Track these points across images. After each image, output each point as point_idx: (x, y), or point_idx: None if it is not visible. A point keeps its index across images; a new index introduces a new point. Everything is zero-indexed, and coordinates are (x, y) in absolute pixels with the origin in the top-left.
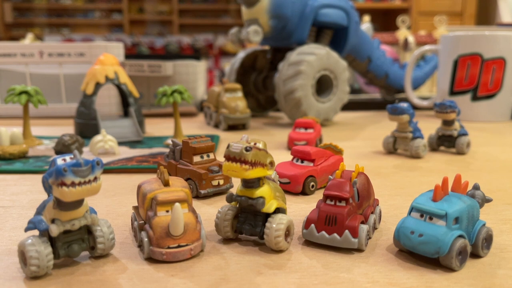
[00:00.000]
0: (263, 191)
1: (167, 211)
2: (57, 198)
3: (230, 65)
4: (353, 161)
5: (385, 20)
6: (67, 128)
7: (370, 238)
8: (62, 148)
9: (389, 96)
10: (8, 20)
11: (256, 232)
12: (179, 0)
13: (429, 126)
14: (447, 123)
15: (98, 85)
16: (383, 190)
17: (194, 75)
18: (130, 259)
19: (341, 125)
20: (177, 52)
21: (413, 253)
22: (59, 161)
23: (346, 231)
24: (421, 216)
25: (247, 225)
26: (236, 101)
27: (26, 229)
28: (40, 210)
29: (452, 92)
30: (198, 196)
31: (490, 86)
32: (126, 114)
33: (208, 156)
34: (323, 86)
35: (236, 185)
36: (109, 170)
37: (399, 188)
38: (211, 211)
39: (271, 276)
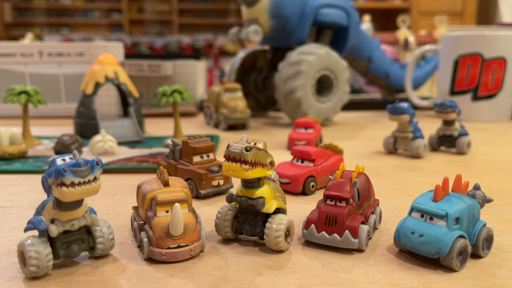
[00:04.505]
0: (263, 191)
1: (167, 212)
2: (56, 198)
3: (230, 65)
4: (353, 161)
5: (385, 20)
6: (67, 128)
7: (370, 238)
8: (61, 148)
9: (389, 96)
10: (7, 20)
11: (256, 233)
12: None
13: (430, 126)
14: (448, 123)
15: (97, 85)
16: (384, 190)
17: (194, 75)
18: (130, 260)
19: (341, 125)
20: (177, 52)
21: (413, 253)
22: (59, 161)
23: (347, 231)
24: (422, 216)
25: (247, 225)
26: (236, 101)
27: (26, 229)
28: (39, 210)
29: (453, 92)
30: (198, 196)
31: (490, 86)
32: (125, 114)
33: (208, 156)
34: (323, 86)
35: (236, 185)
36: (108, 170)
37: (400, 188)
38: (211, 211)
39: (271, 276)
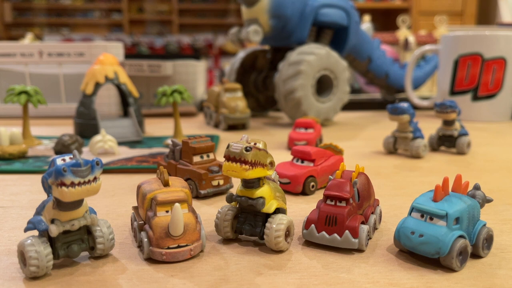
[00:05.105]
0: (263, 191)
1: (167, 212)
2: (56, 198)
3: (230, 65)
4: (353, 161)
5: (385, 20)
6: (67, 128)
7: (370, 238)
8: (61, 148)
9: (389, 96)
10: (7, 20)
11: (256, 233)
12: None
13: (430, 126)
14: (448, 123)
15: (97, 85)
16: (384, 190)
17: (194, 75)
18: (130, 260)
19: (341, 125)
20: (177, 52)
21: (413, 253)
22: (59, 161)
23: (347, 231)
24: (422, 216)
25: (247, 225)
26: (236, 101)
27: (26, 229)
28: (39, 210)
29: (453, 92)
30: (198, 196)
31: (490, 86)
32: (125, 114)
33: (208, 156)
34: (323, 86)
35: (236, 185)
36: (108, 170)
37: (400, 188)
38: (211, 211)
39: (271, 276)
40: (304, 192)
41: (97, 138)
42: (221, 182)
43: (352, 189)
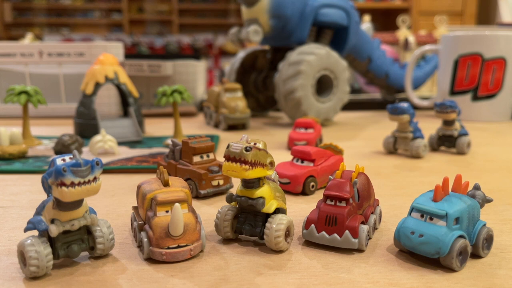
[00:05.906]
0: (263, 191)
1: (167, 212)
2: (56, 198)
3: (230, 65)
4: (353, 161)
5: (385, 20)
6: (67, 128)
7: (370, 238)
8: (61, 148)
9: (389, 96)
10: (7, 20)
11: (256, 233)
12: None
13: (430, 126)
14: (448, 123)
15: (97, 85)
16: (384, 190)
17: (194, 75)
18: (130, 260)
19: (341, 125)
20: (177, 52)
21: (413, 253)
22: (59, 161)
23: (346, 231)
24: (422, 216)
25: (247, 225)
26: (236, 101)
27: (26, 229)
28: (39, 210)
29: (453, 92)
30: (198, 196)
31: (490, 86)
32: (125, 114)
33: (208, 156)
34: (323, 86)
35: (236, 185)
36: (108, 170)
37: (400, 188)
38: (211, 211)
39: (271, 276)
40: (304, 192)
41: (97, 138)
42: (221, 182)
43: (352, 189)
